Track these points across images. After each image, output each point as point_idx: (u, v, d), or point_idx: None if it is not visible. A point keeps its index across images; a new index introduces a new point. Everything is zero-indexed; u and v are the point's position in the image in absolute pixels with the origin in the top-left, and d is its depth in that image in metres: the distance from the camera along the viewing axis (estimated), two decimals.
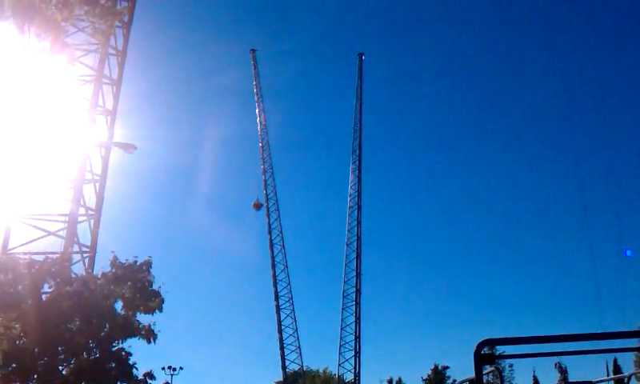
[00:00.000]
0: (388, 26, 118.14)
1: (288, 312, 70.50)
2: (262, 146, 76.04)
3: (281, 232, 73.41)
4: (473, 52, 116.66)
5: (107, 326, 24.75)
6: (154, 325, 25.52)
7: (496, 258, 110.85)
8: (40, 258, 26.86)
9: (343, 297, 70.28)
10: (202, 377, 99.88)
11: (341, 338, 69.14)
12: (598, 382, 13.14)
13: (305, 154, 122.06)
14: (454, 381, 70.00)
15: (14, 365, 21.83)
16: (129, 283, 26.19)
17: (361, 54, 79.58)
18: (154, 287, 26.36)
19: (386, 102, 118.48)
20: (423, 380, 77.39)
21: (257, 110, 77.49)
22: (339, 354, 68.70)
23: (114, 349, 24.64)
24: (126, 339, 24.93)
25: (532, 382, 70.66)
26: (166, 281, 27.16)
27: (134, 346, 25.05)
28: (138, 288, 26.18)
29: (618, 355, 46.81)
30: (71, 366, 23.75)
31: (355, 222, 72.58)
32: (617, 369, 54.10)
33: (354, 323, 68.82)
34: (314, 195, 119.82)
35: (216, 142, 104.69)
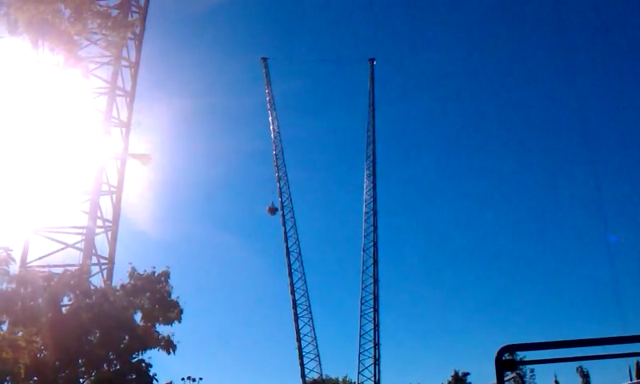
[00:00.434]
0: (399, 31, 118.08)
1: (306, 320, 70.22)
2: (276, 154, 76.07)
3: (297, 240, 73.25)
4: (487, 53, 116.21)
5: (127, 337, 24.78)
6: (173, 335, 25.57)
7: (516, 262, 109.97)
8: (58, 270, 27.03)
9: (361, 304, 69.85)
10: None
11: (360, 346, 68.59)
12: None
13: (319, 161, 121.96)
14: None
15: (35, 378, 21.91)
16: (147, 294, 26.25)
17: (372, 60, 79.38)
18: (173, 298, 26.43)
19: (399, 107, 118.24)
20: None
21: (270, 118, 77.67)
22: (359, 361, 68.16)
23: (134, 360, 24.65)
24: (145, 350, 24.96)
25: None
26: (183, 291, 27.24)
27: (154, 357, 25.11)
28: (157, 299, 26.23)
29: None
30: (92, 377, 23.81)
31: (371, 228, 72.19)
32: None
33: (372, 330, 68.29)
34: (329, 202, 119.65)
35: (230, 150, 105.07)
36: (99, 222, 35.60)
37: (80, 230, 35.12)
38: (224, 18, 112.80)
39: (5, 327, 20.75)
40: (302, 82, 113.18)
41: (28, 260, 33.32)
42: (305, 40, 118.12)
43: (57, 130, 31.94)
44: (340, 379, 73.94)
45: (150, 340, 25.06)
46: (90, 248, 34.30)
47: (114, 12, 29.78)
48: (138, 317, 25.97)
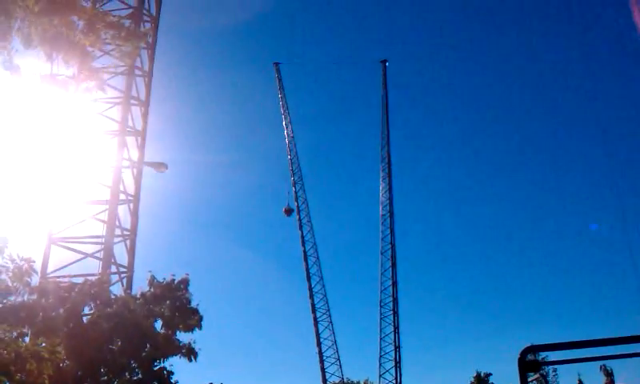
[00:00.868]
0: (412, 32, 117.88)
1: (326, 324, 70.44)
2: (291, 159, 76.39)
3: (314, 244, 73.54)
4: (503, 55, 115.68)
5: (148, 345, 24.89)
6: (194, 343, 25.65)
7: (537, 262, 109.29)
8: (78, 280, 27.25)
9: (381, 306, 69.89)
10: None
11: (380, 349, 68.70)
12: None
13: (334, 165, 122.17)
14: None
15: None
16: (167, 302, 26.38)
17: (384, 61, 79.43)
18: (193, 305, 26.53)
19: (413, 108, 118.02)
20: None
21: (283, 123, 77.90)
22: (379, 364, 68.22)
23: (155, 368, 24.75)
24: (167, 358, 25.05)
25: None
26: (202, 298, 27.40)
27: (175, 365, 25.22)
28: (177, 306, 26.35)
29: None
30: None
31: (388, 230, 72.25)
32: None
33: (392, 333, 68.33)
34: (345, 205, 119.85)
35: (246, 156, 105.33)
36: (117, 231, 35.88)
37: (98, 240, 35.42)
38: (236, 25, 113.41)
39: (27, 339, 20.89)
40: (315, 86, 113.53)
41: (48, 271, 33.67)
42: (317, 44, 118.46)
43: (73, 140, 32.18)
44: (361, 382, 73.93)
45: (171, 347, 25.16)
46: (108, 257, 34.56)
47: (127, 22, 30.06)
48: (159, 324, 26.10)
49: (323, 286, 71.67)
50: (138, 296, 26.61)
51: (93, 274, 29.98)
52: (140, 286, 27.47)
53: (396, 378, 66.83)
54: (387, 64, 78.94)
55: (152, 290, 26.64)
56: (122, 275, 34.95)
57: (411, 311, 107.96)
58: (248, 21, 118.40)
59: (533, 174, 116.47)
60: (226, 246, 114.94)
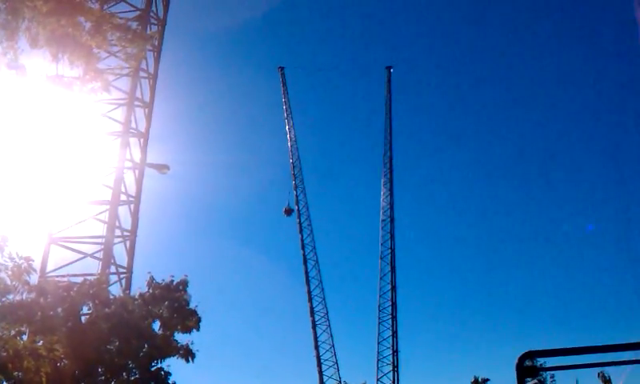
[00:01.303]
0: (416, 38, 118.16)
1: (324, 328, 70.28)
2: (293, 162, 76.40)
3: (314, 247, 73.44)
4: (508, 61, 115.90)
5: (146, 346, 24.93)
6: (192, 344, 25.70)
7: (536, 267, 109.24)
8: (77, 280, 27.30)
9: (379, 311, 69.76)
10: None
11: (378, 353, 68.50)
12: None
13: (336, 169, 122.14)
14: None
15: None
16: (166, 303, 26.42)
17: (389, 67, 79.55)
18: (191, 306, 26.58)
19: (416, 114, 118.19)
20: None
21: (287, 127, 78.03)
22: (377, 368, 67.97)
23: (153, 369, 24.79)
24: (164, 359, 25.09)
25: None
26: (201, 300, 27.37)
27: (173, 366, 25.24)
28: (175, 308, 26.39)
29: None
30: None
31: (388, 235, 72.14)
32: None
33: (390, 337, 68.17)
34: (346, 210, 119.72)
35: (247, 160, 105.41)
36: (117, 232, 35.95)
37: (98, 240, 35.49)
38: (241, 27, 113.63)
39: (25, 337, 20.94)
40: (319, 91, 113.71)
41: (47, 270, 33.73)
42: (321, 48, 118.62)
43: (76, 140, 32.31)
44: None
45: (169, 348, 25.21)
46: (108, 257, 34.62)
47: (134, 25, 30.19)
48: (157, 325, 26.14)
49: (322, 289, 71.60)
50: (137, 297, 26.65)
51: (92, 274, 30.03)
52: (139, 287, 27.55)
53: (393, 382, 66.68)
54: (392, 70, 79.13)
55: (151, 290, 26.69)
56: (121, 276, 34.99)
57: (410, 316, 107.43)
58: (253, 23, 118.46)
59: (534, 181, 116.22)
60: (225, 247, 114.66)
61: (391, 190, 73.78)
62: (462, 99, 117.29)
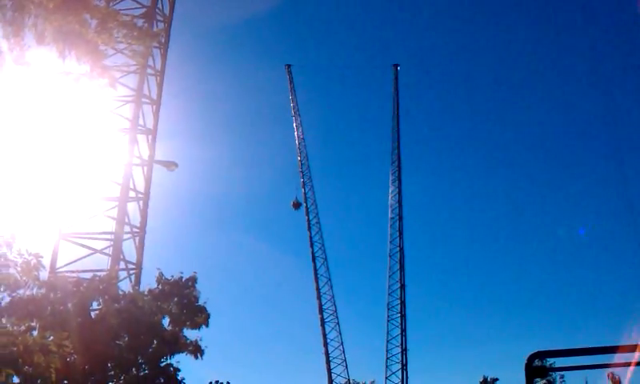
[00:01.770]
0: (424, 36, 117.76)
1: (333, 325, 70.31)
2: (301, 160, 76.37)
3: (323, 245, 73.45)
4: (516, 58, 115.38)
5: (155, 341, 25.00)
6: (201, 340, 25.76)
7: (548, 266, 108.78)
8: (87, 276, 27.41)
9: (388, 309, 69.68)
10: None
11: (387, 351, 68.40)
12: None
13: (344, 167, 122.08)
14: None
15: (65, 382, 22.19)
16: (175, 299, 26.49)
17: (396, 66, 79.29)
18: (200, 303, 26.63)
19: (424, 112, 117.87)
20: None
21: (294, 124, 77.94)
22: (386, 366, 67.91)
23: (162, 364, 24.86)
24: (173, 355, 25.16)
25: None
26: (210, 296, 27.43)
27: (182, 362, 25.31)
28: (184, 304, 26.46)
29: None
30: (121, 382, 24.06)
31: (397, 233, 71.98)
32: None
33: (399, 335, 68.07)
34: (354, 207, 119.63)
35: (255, 156, 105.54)
36: (127, 228, 36.08)
37: (108, 236, 35.63)
38: (248, 25, 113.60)
39: (35, 332, 21.02)
40: (327, 88, 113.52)
41: (57, 266, 33.89)
42: (329, 45, 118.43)
43: (84, 137, 32.41)
44: (367, 383, 73.70)
45: (178, 344, 25.27)
46: (117, 254, 34.76)
47: (140, 22, 30.17)
48: (166, 322, 26.21)
49: (331, 287, 71.59)
50: (146, 293, 26.72)
51: (102, 270, 30.13)
52: (148, 283, 27.66)
53: (402, 381, 66.57)
54: (399, 68, 78.85)
55: (160, 287, 26.77)
56: (131, 272, 35.14)
57: (419, 314, 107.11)
58: (260, 19, 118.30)
59: (544, 180, 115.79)
60: (234, 243, 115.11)
61: (399, 187, 73.66)
62: (473, 96, 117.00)
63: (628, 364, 5.44)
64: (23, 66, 13.61)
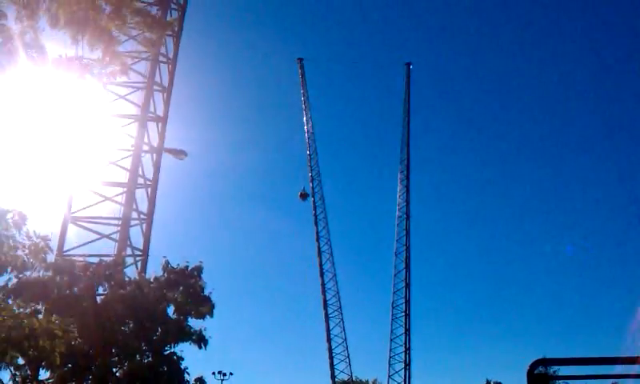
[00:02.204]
0: (436, 34, 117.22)
1: (337, 321, 70.31)
2: (310, 154, 76.24)
3: (329, 240, 73.38)
4: (527, 57, 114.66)
5: (159, 329, 25.05)
6: (205, 330, 25.76)
7: (552, 271, 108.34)
8: (94, 260, 27.49)
9: (392, 308, 69.60)
10: (251, 382, 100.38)
11: (390, 350, 68.37)
12: None
13: (353, 163, 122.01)
14: None
15: (69, 365, 22.30)
16: (180, 288, 26.48)
17: (408, 64, 78.96)
18: (205, 293, 26.64)
19: (434, 110, 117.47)
20: None
21: (304, 118, 77.82)
22: (389, 365, 67.94)
23: (166, 353, 24.91)
24: (177, 343, 25.18)
25: None
26: (215, 286, 27.41)
27: (185, 351, 25.33)
28: (190, 293, 26.45)
29: None
30: (124, 368, 24.14)
31: (404, 232, 71.87)
32: None
33: (403, 335, 68.03)
34: (362, 204, 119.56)
35: (264, 149, 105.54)
36: (134, 215, 36.18)
37: (116, 221, 35.74)
38: (263, 14, 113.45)
39: (40, 315, 21.13)
40: (338, 83, 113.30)
41: (65, 248, 34.04)
42: (342, 42, 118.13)
43: (95, 122, 32.44)
44: (370, 381, 73.59)
45: (182, 333, 25.28)
46: (125, 239, 34.88)
47: (154, 10, 30.18)
48: (171, 310, 26.22)
49: (336, 282, 71.60)
50: (152, 280, 26.76)
51: (108, 255, 30.25)
52: (154, 270, 27.65)
53: (405, 380, 66.54)
54: (411, 67, 78.52)
55: (166, 275, 26.77)
56: (137, 258, 35.25)
57: (423, 314, 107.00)
58: (275, 10, 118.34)
59: (552, 183, 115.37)
60: (240, 234, 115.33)
61: (408, 186, 73.50)
62: (484, 96, 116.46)
63: (633, 376, 5.38)
64: (37, 50, 13.61)
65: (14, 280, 21.23)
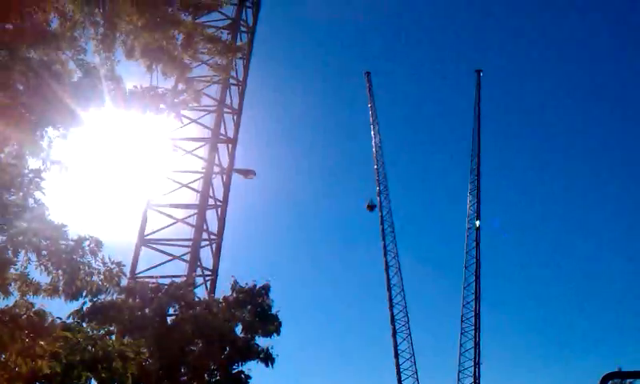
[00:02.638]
0: (508, 41, 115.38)
1: (404, 336, 69.62)
2: (377, 168, 76.07)
3: (397, 254, 72.87)
4: (596, 66, 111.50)
5: (228, 348, 25.30)
6: (272, 348, 25.89)
7: (627, 280, 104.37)
8: (165, 281, 28.07)
9: (462, 321, 68.54)
10: None
11: (460, 364, 67.32)
12: None
13: (420, 175, 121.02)
14: None
15: None
16: (248, 307, 26.74)
17: (479, 71, 78.08)
18: (272, 311, 26.81)
19: (506, 119, 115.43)
20: None
21: (372, 132, 77.79)
22: (458, 380, 66.85)
23: (234, 371, 25.14)
24: (245, 362, 25.39)
25: None
26: (282, 304, 27.61)
27: (253, 369, 25.52)
28: (257, 312, 26.66)
29: None
30: None
31: (474, 244, 70.72)
32: None
33: (473, 349, 66.83)
34: (430, 216, 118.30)
35: (332, 165, 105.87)
36: (204, 235, 36.83)
37: (186, 243, 36.47)
38: (330, 31, 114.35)
39: (113, 337, 21.67)
40: (406, 94, 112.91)
41: (137, 271, 34.95)
42: (409, 53, 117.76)
43: (167, 146, 33.23)
44: None
45: (250, 352, 25.46)
46: (195, 260, 35.53)
47: (224, 35, 30.77)
48: (239, 329, 26.47)
49: (404, 297, 70.99)
50: (221, 300, 27.11)
51: (179, 276, 30.84)
52: (222, 290, 28.04)
53: None
54: (482, 74, 77.50)
55: (234, 294, 27.08)
56: (207, 278, 35.83)
57: (493, 327, 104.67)
58: (340, 27, 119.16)
59: (626, 187, 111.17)
60: (308, 252, 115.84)
61: (478, 197, 72.42)
62: (558, 103, 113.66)
63: None
64: (113, 81, 14.06)
65: (89, 304, 21.92)
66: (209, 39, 16.43)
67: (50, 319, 13.74)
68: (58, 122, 12.87)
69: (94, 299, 21.34)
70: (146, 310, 24.36)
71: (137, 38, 14.14)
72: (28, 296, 13.36)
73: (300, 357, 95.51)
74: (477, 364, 66.33)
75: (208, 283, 35.54)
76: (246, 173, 37.86)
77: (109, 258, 15.54)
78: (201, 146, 38.57)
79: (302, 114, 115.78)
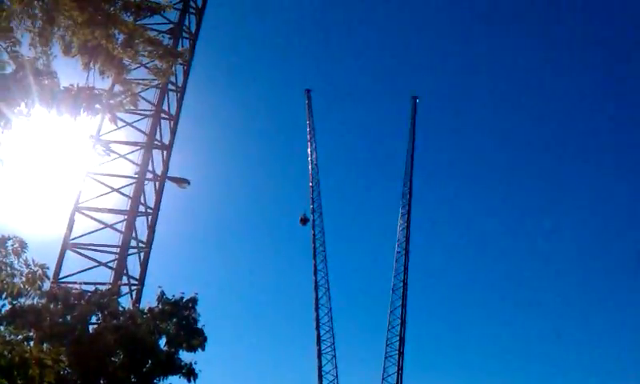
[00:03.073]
0: (442, 68, 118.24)
1: (329, 357, 69.56)
2: (312, 186, 76.19)
3: (326, 274, 72.92)
4: (536, 90, 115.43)
5: (150, 361, 24.63)
6: (196, 364, 25.34)
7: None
8: (89, 287, 27.15)
9: (386, 345, 68.98)
10: None
11: None
12: None
13: (355, 194, 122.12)
14: None
15: None
16: (174, 320, 26.13)
17: (415, 98, 79.52)
18: (199, 325, 26.27)
19: (438, 145, 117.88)
20: None
21: (308, 149, 78.00)
22: None
23: None
24: (167, 376, 24.76)
25: None
26: (209, 316, 27.06)
27: None
28: (183, 325, 26.06)
29: None
30: None
31: (402, 268, 71.51)
32: None
33: (395, 374, 67.32)
34: (361, 238, 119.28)
35: (266, 178, 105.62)
36: (133, 243, 35.90)
37: (114, 249, 35.45)
38: (270, 46, 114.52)
39: (32, 343, 20.80)
40: (343, 115, 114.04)
41: (60, 275, 33.69)
42: (347, 74, 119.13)
43: (98, 148, 32.42)
44: None
45: (173, 366, 24.84)
46: (121, 268, 34.56)
47: (166, 39, 30.24)
48: (163, 341, 25.83)
49: (331, 318, 71.02)
50: (146, 311, 26.40)
51: (104, 284, 29.90)
52: (148, 301, 27.29)
53: None
54: (417, 101, 79.01)
55: (160, 305, 26.40)
56: (133, 288, 34.88)
57: (417, 353, 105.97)
58: (281, 42, 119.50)
59: (565, 215, 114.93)
60: (238, 264, 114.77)
61: (408, 222, 73.33)
62: (492, 130, 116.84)
63: None
64: (48, 76, 13.56)
65: (8, 307, 20.99)
66: (150, 42, 16.15)
67: None
68: None
69: (14, 302, 20.43)
70: (68, 317, 23.45)
71: (75, 34, 13.76)
72: None
73: (224, 373, 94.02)
74: None
75: (134, 293, 34.58)
76: (180, 181, 37.22)
77: (32, 260, 14.93)
78: (135, 151, 37.69)
79: (240, 125, 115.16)
